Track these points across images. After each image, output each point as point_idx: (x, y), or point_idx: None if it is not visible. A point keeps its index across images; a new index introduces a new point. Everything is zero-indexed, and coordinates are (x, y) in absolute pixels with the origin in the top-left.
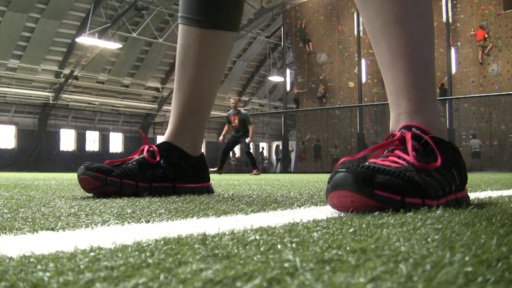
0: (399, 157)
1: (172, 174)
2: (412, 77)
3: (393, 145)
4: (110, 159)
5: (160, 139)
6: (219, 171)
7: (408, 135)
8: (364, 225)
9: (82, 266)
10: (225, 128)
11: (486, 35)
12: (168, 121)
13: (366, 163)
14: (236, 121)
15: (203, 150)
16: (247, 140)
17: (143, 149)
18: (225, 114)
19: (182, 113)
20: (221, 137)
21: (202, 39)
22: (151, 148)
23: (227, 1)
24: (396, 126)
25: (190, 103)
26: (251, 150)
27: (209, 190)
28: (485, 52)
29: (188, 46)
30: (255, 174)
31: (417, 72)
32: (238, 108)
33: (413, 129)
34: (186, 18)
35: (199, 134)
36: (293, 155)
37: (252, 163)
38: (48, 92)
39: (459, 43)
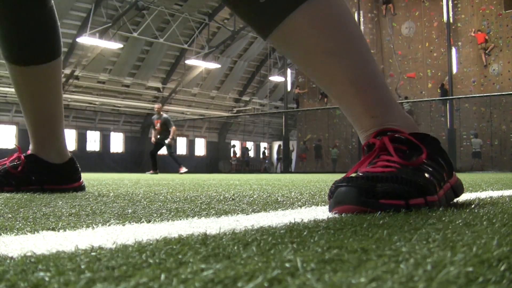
0: (388, 161)
1: (36, 180)
2: (366, 98)
3: (376, 154)
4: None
5: None
6: (155, 172)
7: (386, 139)
8: (365, 225)
9: (83, 266)
10: (153, 131)
11: (486, 37)
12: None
13: (360, 173)
14: (158, 124)
15: (203, 150)
16: (166, 141)
17: (14, 156)
18: (225, 114)
19: (38, 133)
20: (153, 139)
21: (25, 74)
22: (21, 157)
23: (34, 39)
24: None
25: (41, 125)
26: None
27: (75, 190)
28: (486, 52)
29: (17, 81)
30: (182, 173)
31: (369, 91)
32: (161, 113)
33: (388, 133)
34: (5, 56)
35: (60, 143)
36: (293, 155)
37: (178, 163)
38: None
39: (459, 43)
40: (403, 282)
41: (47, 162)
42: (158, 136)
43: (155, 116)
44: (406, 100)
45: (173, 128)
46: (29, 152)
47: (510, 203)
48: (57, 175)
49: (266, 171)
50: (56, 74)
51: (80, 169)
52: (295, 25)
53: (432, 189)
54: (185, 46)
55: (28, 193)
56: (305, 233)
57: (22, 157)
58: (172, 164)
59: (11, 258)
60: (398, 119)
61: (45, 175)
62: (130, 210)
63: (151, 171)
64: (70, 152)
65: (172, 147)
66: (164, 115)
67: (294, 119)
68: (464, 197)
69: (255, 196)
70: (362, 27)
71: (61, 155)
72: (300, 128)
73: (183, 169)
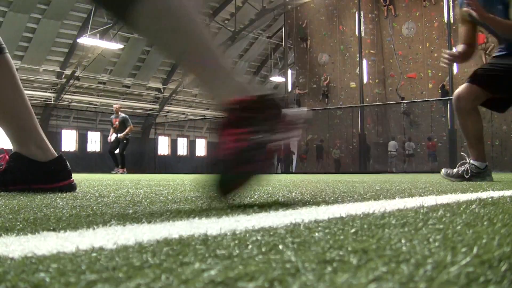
0: None
1: (22, 178)
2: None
3: None
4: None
5: (161, 139)
6: (123, 171)
7: None
8: (365, 226)
9: (83, 267)
10: (111, 130)
11: (485, 39)
12: (169, 122)
13: None
14: (117, 123)
15: (204, 150)
16: (118, 136)
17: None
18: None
19: (9, 131)
20: (109, 137)
21: None
22: (5, 156)
23: None
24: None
25: (9, 122)
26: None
27: (63, 189)
28: (487, 52)
29: None
30: (121, 173)
31: (202, 73)
32: (119, 112)
33: None
34: None
35: (39, 141)
36: (294, 156)
37: (121, 163)
38: (50, 92)
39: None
40: (404, 283)
41: (31, 160)
42: (116, 134)
43: (113, 115)
44: (405, 101)
45: (129, 127)
46: (13, 151)
47: (511, 203)
48: (43, 173)
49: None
50: (5, 66)
51: (69, 167)
52: (137, 16)
53: None
54: None
55: (28, 194)
56: (305, 233)
57: (7, 156)
58: (173, 165)
59: (12, 259)
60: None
61: (30, 173)
62: (130, 211)
63: (116, 170)
64: (71, 152)
65: (123, 146)
66: (122, 114)
67: None
68: (465, 197)
69: (255, 197)
70: (363, 27)
71: (45, 153)
72: None
73: (120, 171)
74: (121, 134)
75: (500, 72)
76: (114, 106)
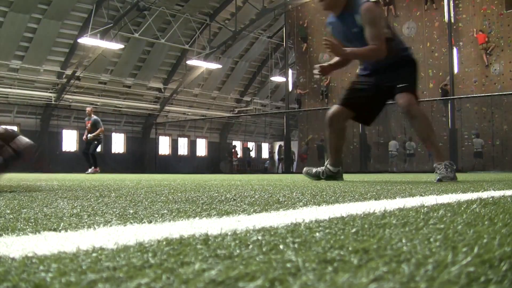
0: None
1: None
2: None
3: None
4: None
5: (162, 139)
6: (96, 171)
7: None
8: (366, 225)
9: (84, 267)
10: (86, 131)
11: (486, 38)
12: (169, 122)
13: None
14: (89, 125)
15: (205, 150)
16: (88, 136)
17: None
18: (227, 115)
19: None
20: (84, 137)
21: None
22: None
23: None
24: None
25: None
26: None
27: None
28: (488, 51)
29: None
30: (92, 173)
31: None
32: (92, 115)
33: None
34: None
35: None
36: (295, 156)
37: (93, 163)
38: (50, 92)
39: (461, 43)
40: (405, 282)
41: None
42: (88, 136)
43: (87, 118)
44: None
45: (100, 129)
46: None
47: None
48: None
49: (270, 171)
50: None
51: None
52: None
53: None
54: (186, 46)
55: (28, 194)
56: (306, 233)
57: None
58: (174, 164)
59: (13, 258)
60: None
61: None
62: (131, 211)
63: (89, 170)
64: (71, 152)
65: (93, 147)
66: (94, 116)
67: (295, 119)
68: (465, 197)
69: (256, 197)
70: None
71: None
72: (301, 128)
73: (92, 170)
74: (91, 135)
75: (361, 92)
76: (87, 108)
